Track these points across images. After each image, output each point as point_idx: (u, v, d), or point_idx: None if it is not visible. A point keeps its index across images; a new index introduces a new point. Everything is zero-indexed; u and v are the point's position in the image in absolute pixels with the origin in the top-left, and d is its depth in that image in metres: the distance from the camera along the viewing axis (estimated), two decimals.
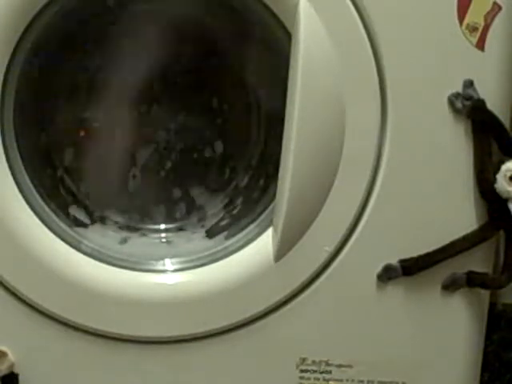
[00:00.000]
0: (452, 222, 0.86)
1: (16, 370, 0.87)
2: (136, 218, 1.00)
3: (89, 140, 1.00)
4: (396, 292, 0.88)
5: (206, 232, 0.97)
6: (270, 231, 0.88)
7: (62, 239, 0.87)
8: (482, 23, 0.83)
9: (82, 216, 0.97)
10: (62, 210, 0.94)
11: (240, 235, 0.91)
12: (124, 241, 0.96)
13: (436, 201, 0.86)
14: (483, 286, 0.88)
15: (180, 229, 1.00)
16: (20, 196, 0.86)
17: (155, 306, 0.87)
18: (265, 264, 0.86)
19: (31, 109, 0.92)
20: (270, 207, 0.90)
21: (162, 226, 1.00)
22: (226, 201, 1.01)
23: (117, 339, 0.87)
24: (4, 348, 0.86)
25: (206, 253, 0.91)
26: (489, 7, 0.83)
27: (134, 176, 1.01)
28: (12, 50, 0.83)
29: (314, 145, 0.83)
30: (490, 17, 0.83)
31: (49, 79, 0.94)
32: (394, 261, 0.87)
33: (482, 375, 0.94)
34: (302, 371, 0.89)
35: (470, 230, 0.86)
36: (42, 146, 0.97)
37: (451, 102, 0.84)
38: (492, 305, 1.01)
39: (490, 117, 0.84)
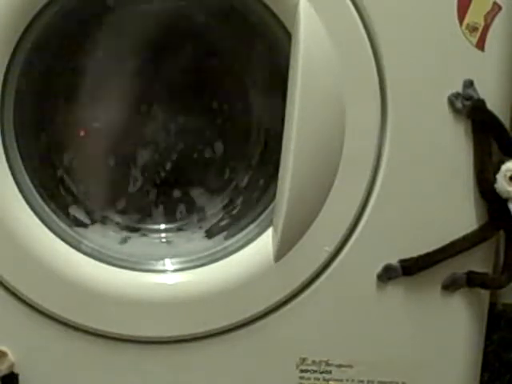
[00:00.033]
0: (452, 222, 0.86)
1: (16, 370, 0.87)
2: (136, 218, 1.00)
3: (89, 140, 1.00)
4: (396, 292, 0.88)
5: (206, 232, 0.97)
6: (270, 231, 0.88)
7: (62, 239, 0.87)
8: (482, 23, 0.83)
9: (82, 216, 0.97)
10: (61, 210, 0.94)
11: (240, 235, 0.91)
12: (124, 241, 0.96)
13: (436, 201, 0.86)
14: (483, 286, 0.88)
15: (180, 229, 1.00)
16: (20, 196, 0.86)
17: (155, 306, 0.87)
18: (265, 264, 0.86)
19: (31, 109, 0.92)
20: (270, 207, 0.90)
21: (162, 226, 1.00)
22: (226, 201, 1.01)
23: (117, 339, 0.87)
24: (4, 348, 0.86)
25: (206, 253, 0.91)
26: (489, 7, 0.83)
27: (134, 176, 1.01)
28: (12, 50, 0.83)
29: (314, 145, 0.83)
30: (490, 17, 0.83)
31: (49, 79, 0.94)
32: (394, 261, 0.87)
33: (482, 375, 0.94)
34: (302, 371, 0.89)
35: (470, 230, 0.86)
36: (42, 145, 0.97)
37: (451, 102, 0.84)
38: (492, 305, 1.01)
39: (490, 117, 0.84)
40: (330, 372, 0.89)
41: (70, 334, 0.87)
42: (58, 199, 0.95)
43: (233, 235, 0.92)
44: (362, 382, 0.90)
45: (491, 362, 1.17)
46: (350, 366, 0.89)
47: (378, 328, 0.89)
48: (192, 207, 1.01)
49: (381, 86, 0.84)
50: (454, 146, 0.85)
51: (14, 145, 0.88)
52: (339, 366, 0.89)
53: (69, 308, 0.86)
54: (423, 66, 0.84)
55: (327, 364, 0.89)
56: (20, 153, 0.88)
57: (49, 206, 0.90)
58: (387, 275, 0.87)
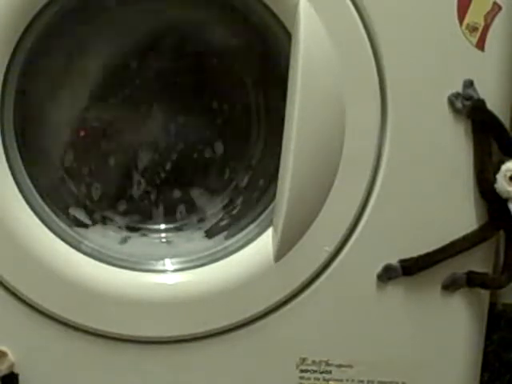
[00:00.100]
0: (452, 222, 0.86)
1: (16, 370, 0.87)
2: (136, 219, 1.00)
3: (89, 140, 1.00)
4: (396, 292, 0.88)
5: (206, 232, 0.97)
6: (270, 231, 0.88)
7: (62, 239, 0.87)
8: (482, 23, 0.83)
9: (82, 216, 0.97)
10: (62, 210, 0.94)
11: (240, 235, 0.91)
12: (124, 241, 0.96)
13: (436, 201, 0.86)
14: (483, 286, 0.88)
15: (180, 229, 1.00)
16: (20, 196, 0.86)
17: (155, 306, 0.87)
18: (265, 264, 0.86)
19: (31, 109, 0.92)
20: (270, 207, 0.90)
21: (162, 226, 1.00)
22: (226, 201, 1.01)
23: (117, 339, 0.87)
24: (4, 348, 0.86)
25: (206, 253, 0.91)
26: (489, 7, 0.83)
27: (134, 176, 1.01)
28: (12, 50, 0.83)
29: (314, 145, 0.83)
30: (490, 17, 0.83)
31: (49, 79, 0.94)
32: (394, 261, 0.87)
33: (482, 375, 0.94)
34: (302, 371, 0.89)
35: (470, 230, 0.86)
36: (42, 146, 0.97)
37: (451, 102, 0.84)
38: (492, 305, 1.01)
39: (490, 117, 0.84)
40: (330, 372, 0.89)
41: (70, 334, 0.87)
42: (58, 199, 0.95)
43: (233, 235, 0.92)
44: (361, 382, 0.90)
45: (491, 362, 1.17)
46: (350, 366, 0.89)
47: (378, 328, 0.89)
48: (192, 207, 1.01)
49: (381, 86, 0.84)
50: (454, 145, 0.85)
51: (14, 145, 0.88)
52: (339, 366, 0.89)
53: (69, 308, 0.86)
54: (423, 66, 0.84)
55: (327, 364, 0.89)
56: (20, 153, 0.88)
57: (49, 206, 0.90)
58: (387, 275, 0.87)
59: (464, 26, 0.83)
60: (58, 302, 0.85)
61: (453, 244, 0.86)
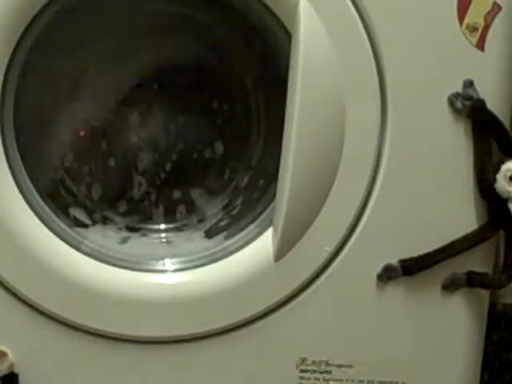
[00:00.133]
0: (452, 222, 0.86)
1: (16, 370, 0.87)
2: (136, 219, 1.00)
3: (89, 140, 1.00)
4: (396, 292, 0.88)
5: (206, 232, 0.97)
6: (270, 231, 0.88)
7: (62, 239, 0.87)
8: (482, 23, 0.83)
9: (82, 216, 0.97)
10: (62, 210, 0.94)
11: (240, 235, 0.91)
12: (124, 241, 0.96)
13: (436, 201, 0.86)
14: (483, 286, 0.88)
15: (180, 229, 1.00)
16: (20, 196, 0.86)
17: (155, 306, 0.87)
18: (265, 264, 0.86)
19: (31, 109, 0.92)
20: (270, 207, 0.90)
21: (162, 226, 1.00)
22: (226, 201, 1.01)
23: (117, 339, 0.87)
24: (4, 348, 0.86)
25: (206, 253, 0.91)
26: (489, 7, 0.83)
27: (134, 177, 1.01)
28: (12, 50, 0.83)
29: (314, 145, 0.83)
30: (490, 17, 0.83)
31: (49, 79, 0.94)
32: (394, 261, 0.87)
33: (482, 375, 0.94)
34: (302, 371, 0.89)
35: (470, 230, 0.86)
36: (42, 146, 0.97)
37: (451, 102, 0.84)
38: (492, 305, 1.01)
39: (490, 117, 0.84)
40: (330, 372, 0.89)
41: (70, 334, 0.87)
42: (58, 199, 0.95)
43: (233, 235, 0.92)
44: (361, 382, 0.90)
45: (491, 362, 1.17)
46: (350, 366, 0.89)
47: (378, 328, 0.89)
48: (192, 207, 1.01)
49: (381, 86, 0.84)
50: (454, 145, 0.85)
51: (14, 145, 0.88)
52: (339, 366, 0.89)
53: (69, 308, 0.86)
54: (423, 66, 0.84)
55: (327, 364, 0.89)
56: (20, 153, 0.88)
57: (49, 206, 0.90)
58: (387, 275, 0.87)
59: (464, 26, 0.83)
60: (58, 302, 0.85)
61: (453, 244, 0.86)
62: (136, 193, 1.01)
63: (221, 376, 0.89)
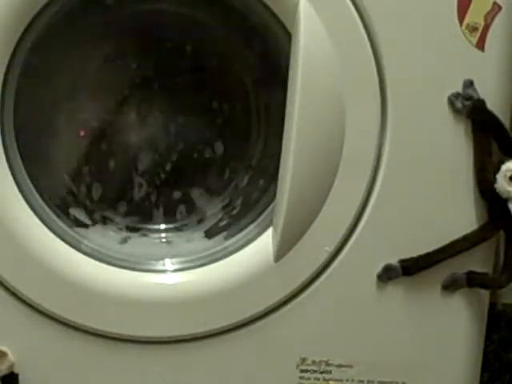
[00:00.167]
0: (452, 222, 0.86)
1: (16, 370, 0.87)
2: (136, 219, 1.00)
3: (89, 140, 1.00)
4: (396, 292, 0.88)
5: (205, 232, 0.97)
6: (270, 231, 0.88)
7: (62, 239, 0.87)
8: (482, 23, 0.83)
9: (82, 216, 0.97)
10: (62, 210, 0.94)
11: (240, 235, 0.91)
12: (124, 241, 0.96)
13: (436, 201, 0.86)
14: (483, 286, 0.88)
15: (180, 229, 1.00)
16: (20, 196, 0.86)
17: (155, 306, 0.87)
18: (265, 264, 0.86)
19: (31, 109, 0.92)
20: (270, 207, 0.90)
21: (162, 226, 1.00)
22: (226, 201, 1.01)
23: (117, 339, 0.87)
24: (4, 348, 0.86)
25: (206, 253, 0.91)
26: (489, 7, 0.83)
27: (134, 177, 1.01)
28: (12, 49, 0.83)
29: (314, 145, 0.83)
30: (490, 17, 0.83)
31: (49, 79, 0.94)
32: (394, 261, 0.87)
33: (482, 375, 0.94)
34: (302, 371, 0.89)
35: (470, 230, 0.86)
36: (41, 146, 0.97)
37: (451, 101, 0.84)
38: (492, 305, 1.00)
39: (490, 117, 0.84)
40: (330, 372, 0.89)
41: (70, 334, 0.87)
42: (58, 199, 0.95)
43: (233, 235, 0.92)
44: (361, 382, 0.90)
45: (491, 362, 1.17)
46: (350, 366, 0.89)
47: (378, 328, 0.89)
48: (192, 207, 1.01)
49: (381, 86, 0.84)
50: (454, 145, 0.85)
51: (14, 145, 0.88)
52: (339, 366, 0.89)
53: (69, 308, 0.86)
54: (423, 66, 0.84)
55: (327, 364, 0.89)
56: (20, 153, 0.88)
57: (49, 206, 0.90)
58: (387, 275, 0.87)
59: (464, 26, 0.83)
60: (58, 302, 0.85)
61: (453, 244, 0.86)
62: (136, 193, 1.01)
63: (221, 376, 0.89)
